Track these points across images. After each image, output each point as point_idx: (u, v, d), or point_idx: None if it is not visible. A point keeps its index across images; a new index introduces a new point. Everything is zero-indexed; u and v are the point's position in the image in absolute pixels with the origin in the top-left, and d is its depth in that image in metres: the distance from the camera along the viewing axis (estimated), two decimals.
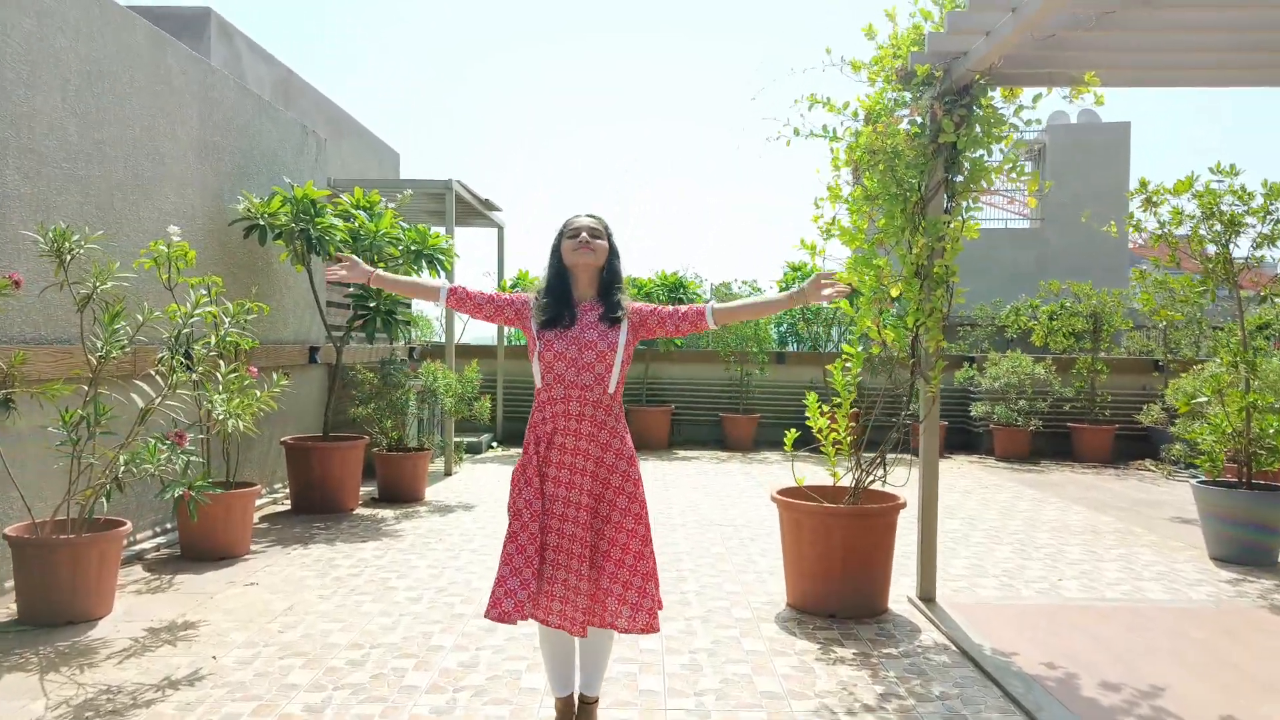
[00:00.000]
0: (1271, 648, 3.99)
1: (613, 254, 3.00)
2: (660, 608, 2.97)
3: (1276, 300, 6.68)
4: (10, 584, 4.33)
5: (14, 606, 4.15)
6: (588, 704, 3.04)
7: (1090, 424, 10.98)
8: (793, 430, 4.75)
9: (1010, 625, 4.23)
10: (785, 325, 12.68)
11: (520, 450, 3.00)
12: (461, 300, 3.03)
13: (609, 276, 2.98)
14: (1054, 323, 11.42)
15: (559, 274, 2.97)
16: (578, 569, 2.80)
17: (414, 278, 3.08)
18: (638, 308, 3.01)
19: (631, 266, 16.53)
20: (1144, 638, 4.09)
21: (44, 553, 3.97)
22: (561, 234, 2.99)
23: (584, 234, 2.93)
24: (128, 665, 3.60)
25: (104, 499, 4.12)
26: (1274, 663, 3.80)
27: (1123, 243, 15.19)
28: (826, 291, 2.98)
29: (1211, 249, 5.87)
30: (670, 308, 3.02)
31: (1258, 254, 5.82)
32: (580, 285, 2.96)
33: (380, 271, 3.18)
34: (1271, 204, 5.64)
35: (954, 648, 3.94)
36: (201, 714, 3.15)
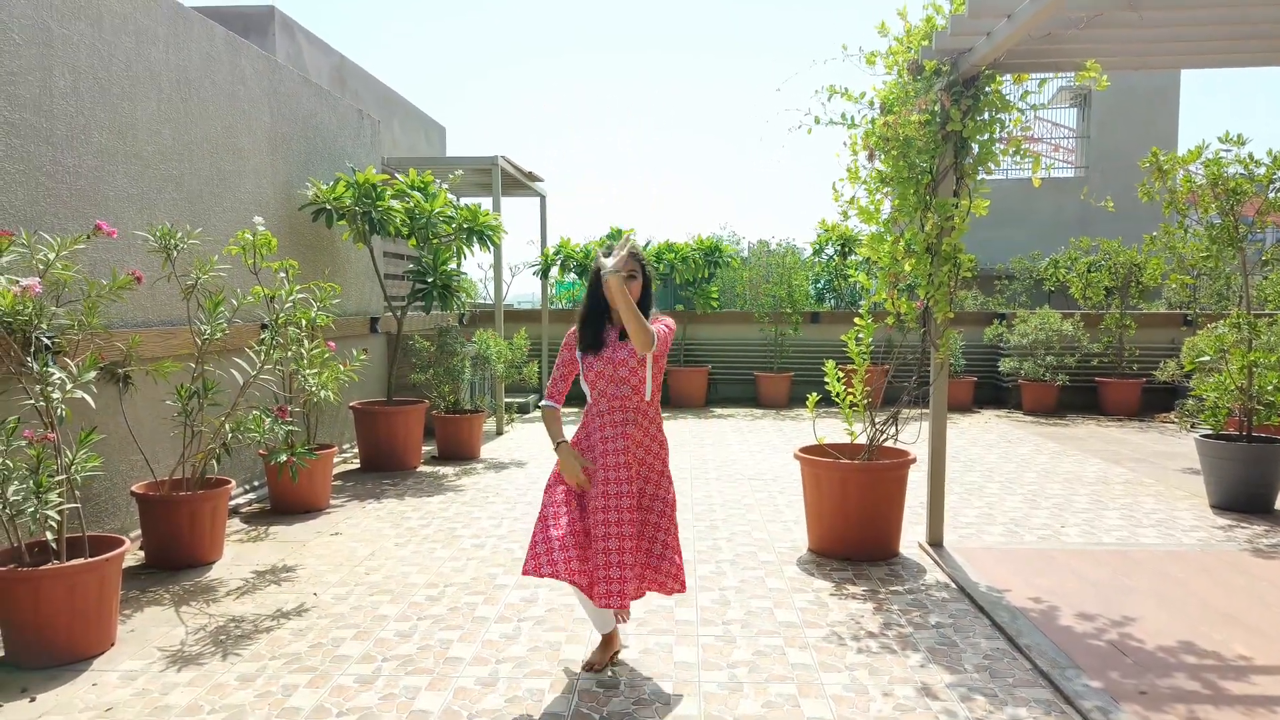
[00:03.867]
0: (1240, 584, 4.45)
1: (646, 286, 3.37)
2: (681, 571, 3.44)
3: None
4: (135, 533, 5.04)
5: (141, 553, 4.86)
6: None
7: (1117, 378, 11.28)
8: (813, 394, 5.26)
9: (1007, 567, 4.73)
10: (823, 282, 13.14)
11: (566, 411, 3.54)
12: (562, 395, 3.49)
13: (642, 305, 3.33)
14: (1091, 275, 11.55)
15: (596, 304, 3.35)
16: (627, 548, 3.24)
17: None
18: (656, 328, 3.32)
19: (670, 232, 16.90)
20: (1128, 577, 4.57)
21: (167, 507, 4.65)
22: (600, 270, 3.27)
23: (624, 273, 3.22)
24: (244, 600, 4.28)
25: (214, 461, 4.79)
26: (1239, 597, 4.26)
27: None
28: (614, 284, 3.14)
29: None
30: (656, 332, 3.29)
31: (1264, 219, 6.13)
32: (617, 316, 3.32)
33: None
34: (1275, 173, 5.94)
35: (954, 586, 4.47)
36: (313, 639, 3.81)
